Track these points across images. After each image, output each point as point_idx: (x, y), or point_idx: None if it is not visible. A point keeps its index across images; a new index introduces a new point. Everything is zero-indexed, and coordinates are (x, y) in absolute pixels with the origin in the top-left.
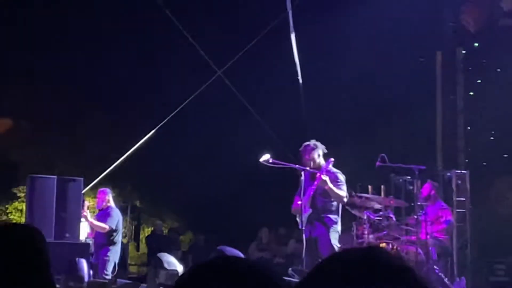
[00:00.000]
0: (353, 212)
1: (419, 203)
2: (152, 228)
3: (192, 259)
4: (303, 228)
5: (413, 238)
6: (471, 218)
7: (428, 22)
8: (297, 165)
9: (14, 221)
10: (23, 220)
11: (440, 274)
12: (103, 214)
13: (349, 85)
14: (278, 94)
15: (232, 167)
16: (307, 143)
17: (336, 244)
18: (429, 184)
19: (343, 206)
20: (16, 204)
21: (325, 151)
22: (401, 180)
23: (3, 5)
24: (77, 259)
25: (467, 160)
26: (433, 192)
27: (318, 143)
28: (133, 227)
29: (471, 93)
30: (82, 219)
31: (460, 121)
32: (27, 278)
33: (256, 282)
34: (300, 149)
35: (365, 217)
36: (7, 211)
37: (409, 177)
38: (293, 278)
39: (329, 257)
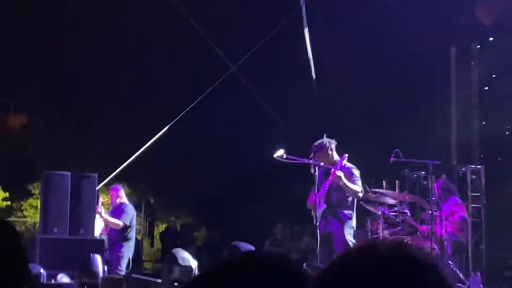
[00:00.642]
0: (368, 207)
1: (433, 198)
2: (166, 225)
3: (206, 255)
4: (318, 223)
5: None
6: (486, 213)
7: (442, 16)
8: (311, 161)
9: (28, 218)
10: (37, 216)
11: (455, 269)
12: (117, 210)
13: (363, 80)
14: (292, 90)
15: (246, 163)
16: (319, 140)
17: (350, 239)
18: (437, 182)
19: (357, 202)
20: (31, 200)
21: (335, 143)
22: (415, 175)
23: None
24: (91, 255)
25: (481, 155)
26: (440, 190)
27: (329, 139)
28: (147, 223)
29: (486, 88)
30: (96, 216)
31: (475, 116)
32: None
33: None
34: (313, 146)
35: (380, 213)
36: (22, 208)
37: (423, 172)
38: None
39: (357, 247)
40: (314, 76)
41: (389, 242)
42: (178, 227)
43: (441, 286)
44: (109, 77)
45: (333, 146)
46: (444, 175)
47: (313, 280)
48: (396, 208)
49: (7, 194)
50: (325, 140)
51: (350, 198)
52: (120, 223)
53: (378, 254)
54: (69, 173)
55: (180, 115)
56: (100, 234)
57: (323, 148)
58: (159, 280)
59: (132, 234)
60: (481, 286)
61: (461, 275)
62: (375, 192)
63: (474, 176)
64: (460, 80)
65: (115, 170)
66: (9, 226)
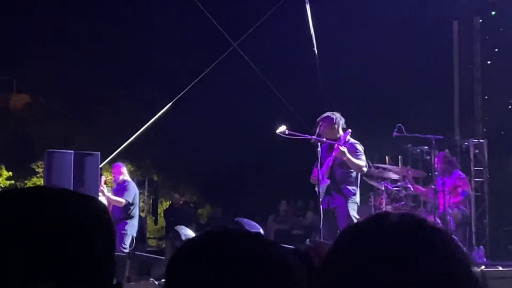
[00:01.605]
0: (371, 182)
1: (436, 173)
2: (170, 202)
3: None
4: (321, 199)
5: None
6: (489, 187)
7: None
8: (313, 136)
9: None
10: None
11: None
12: (120, 188)
13: (366, 55)
14: (294, 66)
15: (249, 139)
16: (329, 114)
17: (354, 215)
18: (438, 156)
19: (360, 177)
20: (34, 179)
21: (344, 126)
22: (418, 150)
23: None
24: None
25: (484, 130)
26: (442, 165)
27: (339, 116)
28: (151, 201)
29: (489, 62)
30: (99, 194)
31: (478, 90)
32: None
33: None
34: (321, 118)
35: (383, 188)
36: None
37: (426, 147)
38: None
39: (367, 217)
40: (316, 52)
41: (398, 212)
42: (182, 204)
43: (451, 248)
44: (112, 55)
45: (341, 122)
46: (446, 150)
47: (325, 251)
48: (399, 183)
49: (10, 173)
50: (335, 114)
51: (354, 174)
52: (122, 200)
53: (388, 221)
54: (72, 151)
55: (183, 91)
56: None
57: (330, 121)
58: (163, 258)
59: (135, 211)
60: (485, 260)
61: (464, 249)
62: (378, 167)
63: (477, 151)
64: (462, 55)
65: (118, 148)
66: (102, 205)
